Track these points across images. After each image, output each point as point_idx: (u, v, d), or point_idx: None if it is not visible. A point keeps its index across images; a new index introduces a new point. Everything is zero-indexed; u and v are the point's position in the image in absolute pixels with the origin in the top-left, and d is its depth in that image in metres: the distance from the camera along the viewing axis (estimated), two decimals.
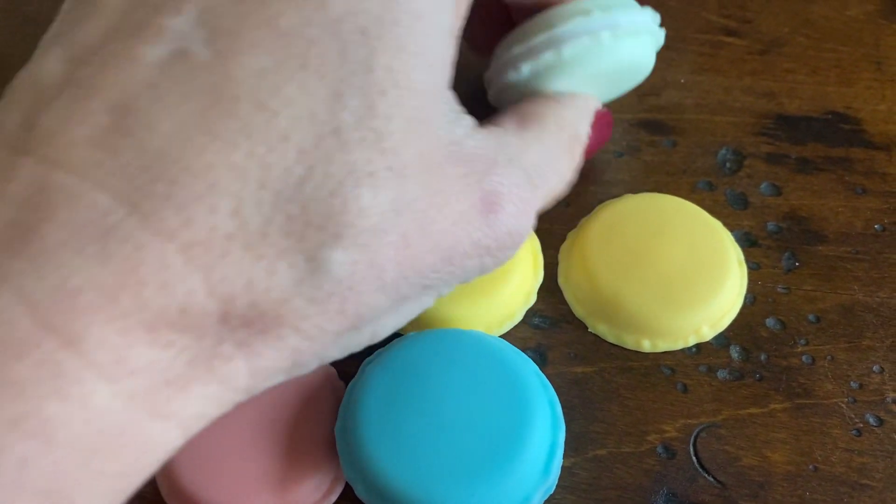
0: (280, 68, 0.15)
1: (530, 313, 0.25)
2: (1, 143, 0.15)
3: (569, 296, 0.25)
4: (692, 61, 0.31)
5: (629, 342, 0.24)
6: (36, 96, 0.15)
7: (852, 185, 0.27)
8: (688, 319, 0.24)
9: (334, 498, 0.22)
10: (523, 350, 0.23)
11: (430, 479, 0.19)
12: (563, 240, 0.27)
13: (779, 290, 0.25)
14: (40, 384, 0.13)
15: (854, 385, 0.24)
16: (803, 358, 0.24)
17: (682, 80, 0.30)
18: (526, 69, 0.22)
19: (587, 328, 0.25)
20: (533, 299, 0.25)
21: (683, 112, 0.29)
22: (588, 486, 0.22)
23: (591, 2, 0.22)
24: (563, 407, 0.22)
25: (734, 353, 0.24)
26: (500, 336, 0.24)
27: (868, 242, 0.26)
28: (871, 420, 0.23)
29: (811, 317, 0.25)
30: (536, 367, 0.22)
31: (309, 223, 0.15)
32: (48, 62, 0.16)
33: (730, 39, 0.31)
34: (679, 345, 0.24)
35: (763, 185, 0.27)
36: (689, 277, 0.24)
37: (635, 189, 0.27)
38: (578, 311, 0.25)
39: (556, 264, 0.26)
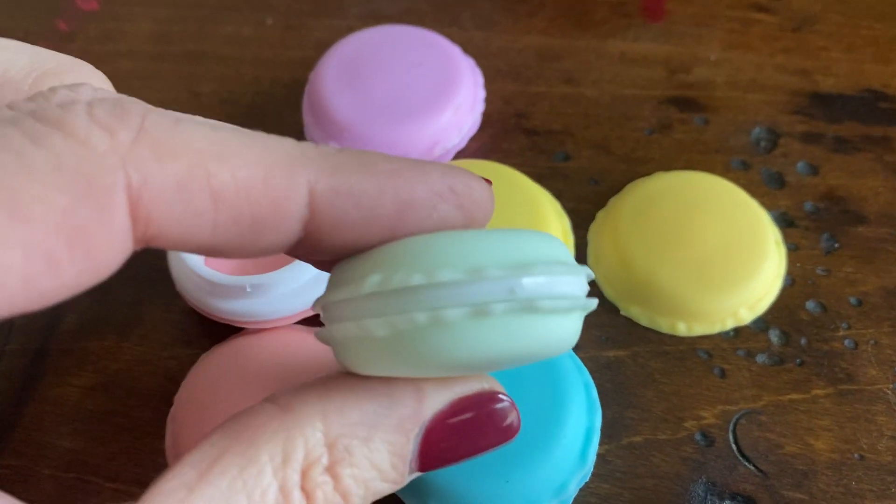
0: None
1: None
2: None
3: (599, 277, 0.24)
4: (722, 38, 0.30)
5: (663, 325, 0.23)
6: None
7: (892, 164, 0.26)
8: (725, 302, 0.23)
9: None
10: None
11: (466, 466, 0.18)
12: (591, 219, 0.25)
13: (818, 271, 0.24)
14: None
15: None
16: (845, 342, 0.23)
17: (713, 58, 0.29)
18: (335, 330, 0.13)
19: (619, 310, 0.24)
20: None
21: (714, 89, 0.28)
22: (623, 474, 0.21)
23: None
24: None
25: (774, 336, 0.23)
26: None
27: None
28: None
29: (853, 300, 0.24)
30: (570, 350, 0.21)
31: None
32: None
33: (760, 16, 0.30)
34: (716, 328, 0.23)
35: (799, 164, 0.26)
36: (725, 258, 0.23)
37: (666, 167, 0.26)
38: (609, 292, 0.24)
39: (586, 245, 0.25)
